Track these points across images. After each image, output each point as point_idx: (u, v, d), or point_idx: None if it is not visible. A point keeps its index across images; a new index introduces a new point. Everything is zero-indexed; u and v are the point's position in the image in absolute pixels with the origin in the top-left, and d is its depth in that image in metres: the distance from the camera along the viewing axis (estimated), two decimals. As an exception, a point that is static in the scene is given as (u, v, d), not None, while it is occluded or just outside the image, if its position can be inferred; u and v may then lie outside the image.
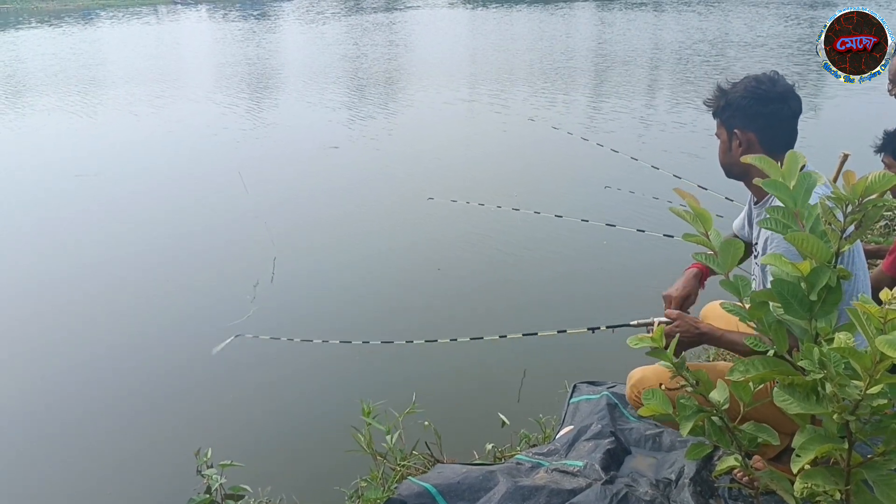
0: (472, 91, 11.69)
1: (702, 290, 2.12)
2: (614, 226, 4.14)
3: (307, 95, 11.80)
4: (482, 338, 2.88)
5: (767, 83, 1.88)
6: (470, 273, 5.04)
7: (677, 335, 1.80)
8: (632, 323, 2.05)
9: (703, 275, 2.14)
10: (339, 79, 13.37)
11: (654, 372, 2.02)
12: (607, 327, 2.31)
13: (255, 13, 27.36)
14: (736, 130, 1.92)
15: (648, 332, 1.86)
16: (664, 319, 1.92)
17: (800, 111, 1.90)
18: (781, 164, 1.42)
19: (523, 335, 2.70)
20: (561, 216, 4.37)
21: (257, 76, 14.23)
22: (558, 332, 2.49)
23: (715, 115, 1.99)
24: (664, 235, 3.70)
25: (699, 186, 3.72)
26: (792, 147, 1.91)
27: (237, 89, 12.71)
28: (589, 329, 2.32)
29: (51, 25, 24.74)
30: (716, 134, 2.01)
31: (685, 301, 2.05)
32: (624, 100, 10.28)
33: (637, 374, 2.09)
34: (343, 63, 15.05)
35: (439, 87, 11.94)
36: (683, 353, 1.59)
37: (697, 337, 1.87)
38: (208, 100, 11.78)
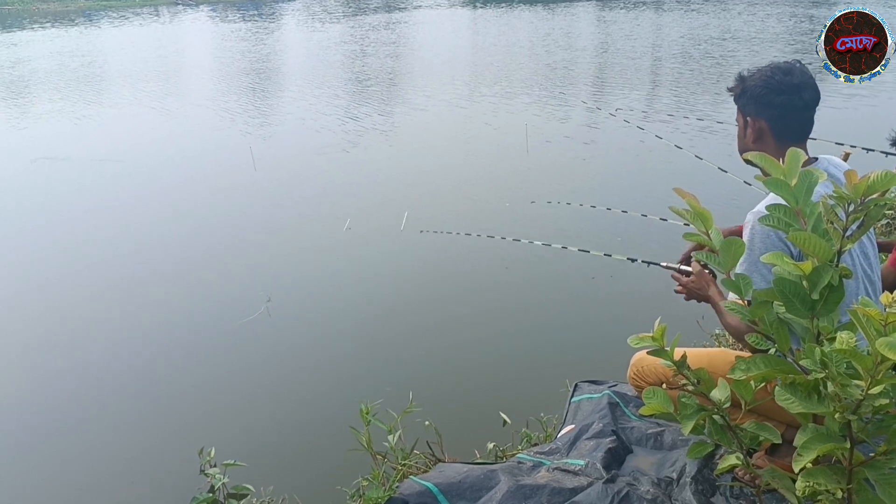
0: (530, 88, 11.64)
1: None
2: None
3: (337, 93, 11.81)
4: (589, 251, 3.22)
5: (781, 73, 1.90)
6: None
7: (689, 288, 2.04)
8: (662, 263, 2.31)
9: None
10: (369, 77, 13.39)
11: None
12: (643, 261, 2.62)
13: (256, 13, 27.36)
14: (749, 118, 1.97)
15: (673, 276, 2.13)
16: (687, 269, 2.12)
17: (814, 102, 1.91)
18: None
19: (579, 250, 3.14)
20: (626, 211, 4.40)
21: (267, 74, 14.25)
22: (605, 254, 2.88)
23: (735, 101, 2.04)
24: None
25: (719, 169, 3.74)
26: (805, 137, 1.93)
27: (249, 88, 12.74)
28: (629, 259, 2.65)
29: (53, 26, 24.75)
30: (735, 119, 2.06)
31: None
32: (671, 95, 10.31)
33: (639, 354, 2.24)
34: (372, 61, 15.05)
35: (479, 84, 11.93)
36: (684, 352, 1.60)
37: (704, 298, 2.01)
38: (230, 95, 11.83)
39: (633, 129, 6.01)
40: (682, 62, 12.85)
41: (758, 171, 2.06)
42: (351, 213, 6.17)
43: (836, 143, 3.68)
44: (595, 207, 4.43)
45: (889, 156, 3.21)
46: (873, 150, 3.50)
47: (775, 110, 1.90)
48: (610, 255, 2.84)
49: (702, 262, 2.03)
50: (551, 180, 6.44)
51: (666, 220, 3.49)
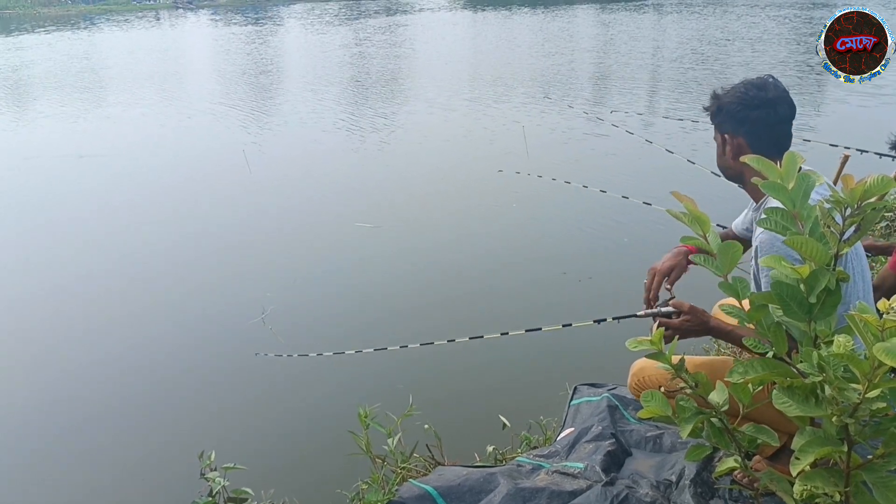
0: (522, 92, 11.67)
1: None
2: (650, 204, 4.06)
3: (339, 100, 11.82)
4: (482, 336, 2.77)
5: (755, 89, 1.91)
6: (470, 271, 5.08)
7: (685, 328, 1.82)
8: (638, 313, 1.99)
9: (689, 254, 2.11)
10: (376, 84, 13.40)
11: (655, 362, 2.04)
12: (613, 318, 2.21)
13: (257, 17, 27.41)
14: (726, 135, 1.98)
15: (655, 321, 1.86)
16: (671, 310, 1.87)
17: (790, 116, 1.92)
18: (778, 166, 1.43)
19: (526, 331, 2.55)
20: (605, 191, 4.43)
21: (269, 78, 14.26)
22: (563, 325, 2.38)
23: (711, 119, 2.04)
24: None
25: (712, 173, 3.72)
26: (784, 151, 1.91)
27: (253, 92, 12.77)
28: (595, 321, 2.19)
29: (58, 30, 24.80)
30: (713, 138, 2.04)
31: (669, 274, 2.05)
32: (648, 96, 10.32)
33: (639, 363, 2.15)
34: (383, 64, 15.07)
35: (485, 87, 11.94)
36: (683, 356, 1.60)
37: (706, 331, 1.87)
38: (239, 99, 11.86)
39: (631, 133, 6.01)
40: (683, 65, 12.86)
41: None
42: (351, 215, 6.18)
43: (831, 145, 3.68)
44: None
45: (883, 157, 3.21)
46: (867, 152, 3.50)
47: (751, 126, 1.90)
48: (570, 325, 2.35)
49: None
50: (552, 182, 6.46)
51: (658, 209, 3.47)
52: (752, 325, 1.68)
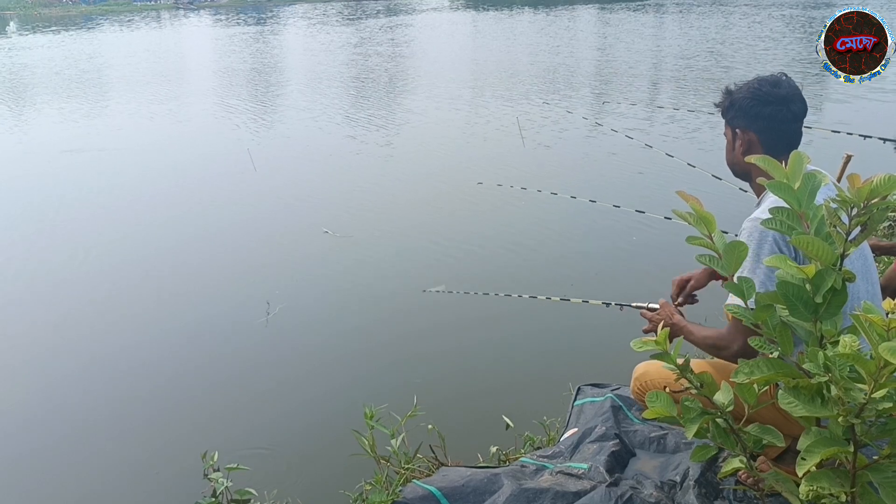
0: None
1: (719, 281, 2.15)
2: (643, 212, 4.15)
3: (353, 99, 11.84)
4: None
5: (769, 85, 1.91)
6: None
7: (656, 321, 2.03)
8: (632, 304, 2.27)
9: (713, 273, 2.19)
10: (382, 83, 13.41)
11: (657, 366, 2.05)
12: (603, 302, 2.60)
13: (258, 17, 27.43)
14: (738, 130, 1.97)
15: (641, 314, 2.14)
16: (654, 306, 2.11)
17: (803, 114, 1.92)
18: (784, 165, 1.42)
19: (529, 297, 3.20)
20: (595, 201, 4.52)
21: (270, 78, 14.28)
22: (561, 299, 2.86)
23: (722, 115, 2.04)
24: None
25: (713, 176, 3.72)
26: (794, 149, 1.92)
27: (261, 92, 12.78)
28: (584, 301, 2.61)
29: (65, 30, 24.83)
30: (723, 133, 2.06)
31: (685, 283, 2.20)
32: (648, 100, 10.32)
33: (641, 367, 2.17)
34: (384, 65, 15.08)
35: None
36: (688, 356, 1.60)
37: (670, 327, 1.90)
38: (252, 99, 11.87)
39: (630, 137, 6.00)
40: (687, 64, 12.85)
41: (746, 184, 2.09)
42: (350, 216, 6.18)
43: (833, 131, 3.68)
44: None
45: (887, 142, 3.21)
46: (870, 137, 3.50)
47: (764, 122, 1.91)
48: (568, 300, 2.84)
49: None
50: (551, 188, 6.49)
51: (670, 218, 3.48)
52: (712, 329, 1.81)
